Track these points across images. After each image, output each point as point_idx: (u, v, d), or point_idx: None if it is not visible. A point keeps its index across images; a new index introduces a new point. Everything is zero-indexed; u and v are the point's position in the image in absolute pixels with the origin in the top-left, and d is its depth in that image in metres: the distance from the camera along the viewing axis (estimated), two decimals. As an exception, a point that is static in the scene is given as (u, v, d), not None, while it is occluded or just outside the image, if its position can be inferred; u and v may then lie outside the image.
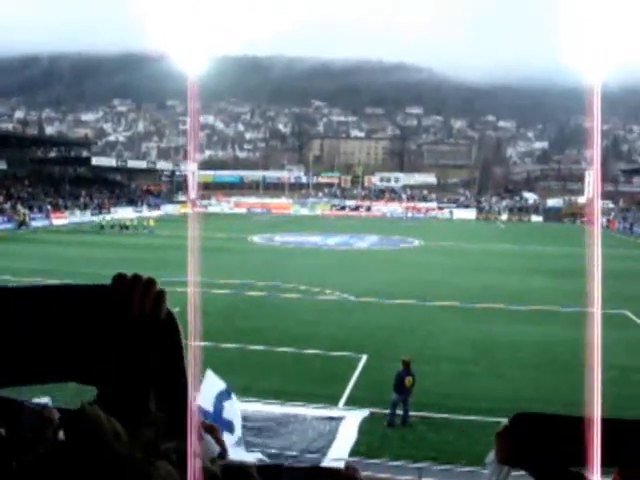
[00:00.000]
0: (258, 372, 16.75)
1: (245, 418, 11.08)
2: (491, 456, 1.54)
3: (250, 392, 14.44)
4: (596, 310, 1.43)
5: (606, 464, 1.34)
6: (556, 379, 16.07)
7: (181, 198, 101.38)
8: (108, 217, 68.54)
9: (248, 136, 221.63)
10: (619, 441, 1.40)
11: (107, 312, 1.26)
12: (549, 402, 14.01)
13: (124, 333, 1.25)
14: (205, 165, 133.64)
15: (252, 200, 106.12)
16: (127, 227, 60.17)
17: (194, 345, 1.36)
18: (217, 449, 1.44)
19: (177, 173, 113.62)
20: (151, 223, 59.03)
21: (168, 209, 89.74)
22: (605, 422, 1.34)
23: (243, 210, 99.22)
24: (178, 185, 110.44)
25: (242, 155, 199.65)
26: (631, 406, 13.83)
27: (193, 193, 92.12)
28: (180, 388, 1.33)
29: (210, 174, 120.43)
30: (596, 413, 1.16)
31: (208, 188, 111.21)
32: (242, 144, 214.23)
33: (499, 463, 1.49)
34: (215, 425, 2.02)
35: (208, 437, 1.46)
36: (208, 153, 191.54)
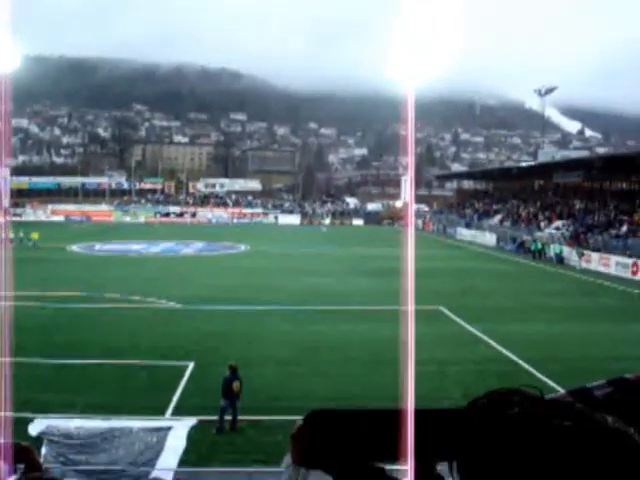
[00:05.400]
0: (80, 387, 16.02)
1: (67, 436, 10.58)
2: (287, 459, 1.49)
3: (72, 409, 13.80)
4: (410, 306, 1.49)
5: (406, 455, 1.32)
6: (380, 375, 16.69)
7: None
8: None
9: (65, 140, 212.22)
10: (418, 432, 1.40)
11: None
12: (374, 397, 14.56)
13: None
14: (19, 171, 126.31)
15: (70, 207, 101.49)
16: (10, 240, 55.62)
17: (3, 361, 1.26)
18: (8, 471, 1.36)
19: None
20: (34, 236, 54.92)
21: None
22: (399, 413, 1.33)
23: (61, 218, 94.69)
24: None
25: (59, 160, 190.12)
26: (446, 396, 14.69)
27: (5, 201, 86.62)
28: None
29: (24, 180, 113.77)
30: (410, 404, 1.19)
31: (22, 195, 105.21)
32: (59, 149, 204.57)
33: (295, 465, 1.44)
34: (30, 446, 1.90)
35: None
36: (22, 158, 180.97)
